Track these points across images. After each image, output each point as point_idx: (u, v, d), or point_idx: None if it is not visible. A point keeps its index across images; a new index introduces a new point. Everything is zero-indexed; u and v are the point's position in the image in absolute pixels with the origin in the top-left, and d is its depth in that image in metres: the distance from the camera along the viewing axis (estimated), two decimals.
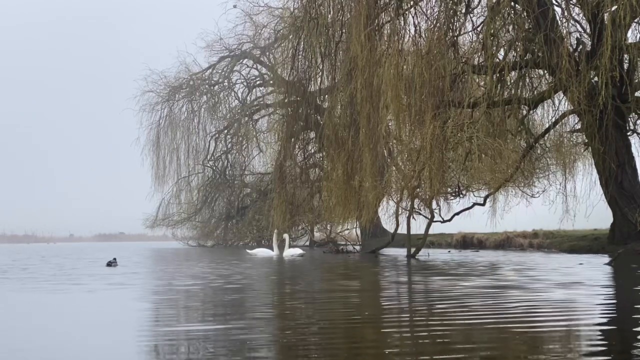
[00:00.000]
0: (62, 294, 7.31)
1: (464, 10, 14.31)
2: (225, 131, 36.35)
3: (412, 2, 14.72)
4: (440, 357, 3.43)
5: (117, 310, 5.84)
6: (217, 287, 7.71)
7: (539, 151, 16.34)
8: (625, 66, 13.00)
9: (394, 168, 17.70)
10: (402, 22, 14.68)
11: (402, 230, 17.38)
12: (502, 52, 13.97)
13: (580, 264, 11.88)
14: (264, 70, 34.47)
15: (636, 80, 13.26)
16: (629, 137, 14.11)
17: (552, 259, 14.29)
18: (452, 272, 10.30)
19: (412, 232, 17.05)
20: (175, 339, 4.03)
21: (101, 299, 6.77)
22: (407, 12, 14.76)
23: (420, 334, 4.29)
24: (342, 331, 4.36)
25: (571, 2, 13.50)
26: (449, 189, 16.85)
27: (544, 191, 17.63)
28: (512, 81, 14.24)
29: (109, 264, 13.22)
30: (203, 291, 7.30)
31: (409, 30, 14.76)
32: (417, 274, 10.19)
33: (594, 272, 9.51)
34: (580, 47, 13.43)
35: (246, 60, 34.85)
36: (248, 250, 22.07)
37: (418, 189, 15.90)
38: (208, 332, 4.22)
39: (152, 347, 3.76)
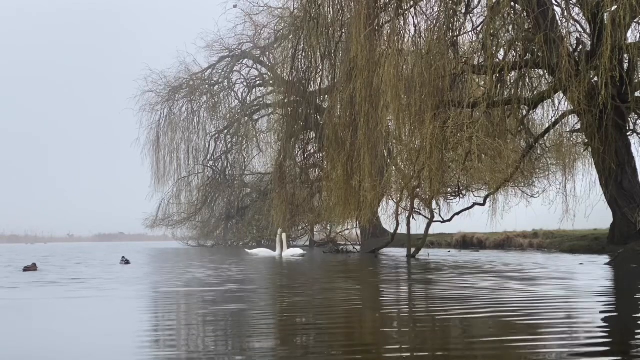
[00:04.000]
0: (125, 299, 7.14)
1: (464, 10, 14.28)
2: (225, 131, 36.37)
3: (412, 2, 14.69)
4: None
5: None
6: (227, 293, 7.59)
7: (539, 151, 16.31)
8: (625, 66, 12.96)
9: (393, 168, 17.69)
10: (402, 22, 14.66)
11: (402, 230, 17.39)
12: (502, 52, 13.94)
13: (581, 264, 11.89)
14: (264, 70, 34.47)
15: (636, 80, 13.22)
16: (629, 137, 14.08)
17: (568, 259, 14.29)
18: (506, 275, 9.43)
19: (412, 232, 17.06)
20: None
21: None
22: (407, 12, 14.73)
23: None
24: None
25: (571, 2, 13.47)
26: (449, 189, 16.87)
27: (543, 191, 17.65)
28: (512, 81, 14.20)
29: (126, 262, 14.61)
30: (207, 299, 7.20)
31: (409, 30, 14.76)
32: (470, 279, 8.79)
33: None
34: (580, 47, 13.40)
35: (246, 60, 34.87)
36: (248, 250, 22.08)
37: (418, 189, 15.91)
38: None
39: None
